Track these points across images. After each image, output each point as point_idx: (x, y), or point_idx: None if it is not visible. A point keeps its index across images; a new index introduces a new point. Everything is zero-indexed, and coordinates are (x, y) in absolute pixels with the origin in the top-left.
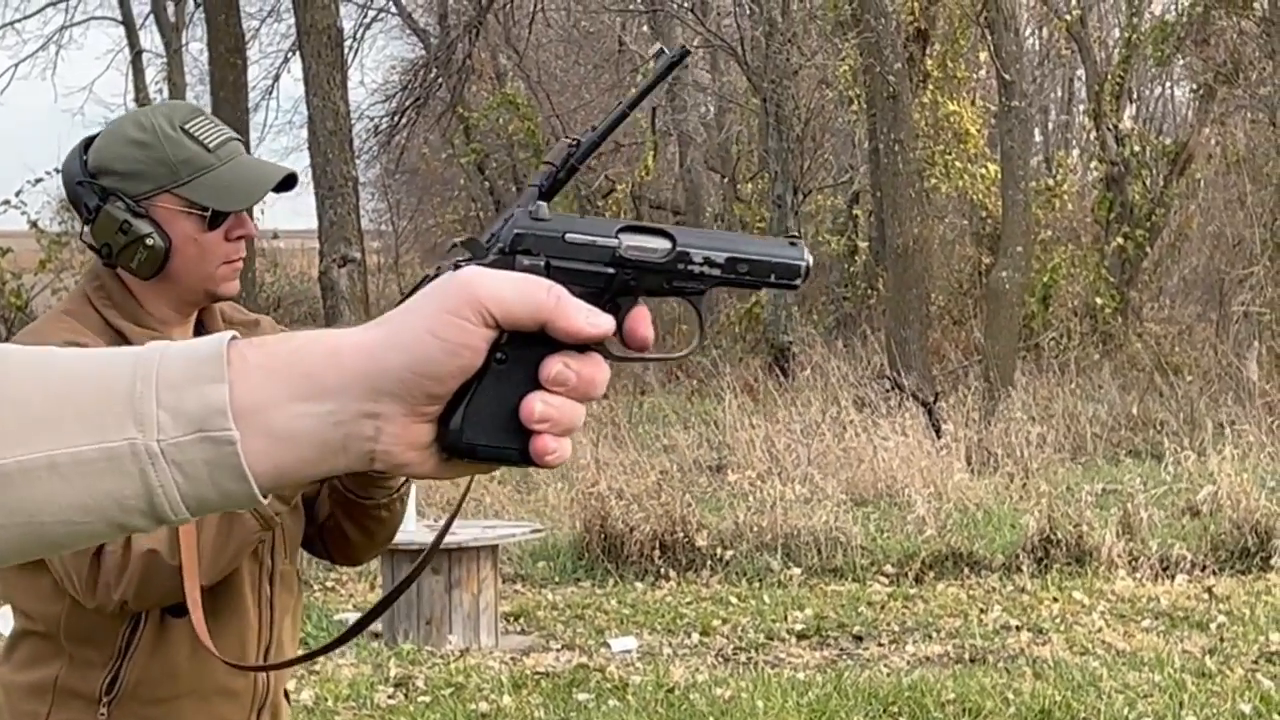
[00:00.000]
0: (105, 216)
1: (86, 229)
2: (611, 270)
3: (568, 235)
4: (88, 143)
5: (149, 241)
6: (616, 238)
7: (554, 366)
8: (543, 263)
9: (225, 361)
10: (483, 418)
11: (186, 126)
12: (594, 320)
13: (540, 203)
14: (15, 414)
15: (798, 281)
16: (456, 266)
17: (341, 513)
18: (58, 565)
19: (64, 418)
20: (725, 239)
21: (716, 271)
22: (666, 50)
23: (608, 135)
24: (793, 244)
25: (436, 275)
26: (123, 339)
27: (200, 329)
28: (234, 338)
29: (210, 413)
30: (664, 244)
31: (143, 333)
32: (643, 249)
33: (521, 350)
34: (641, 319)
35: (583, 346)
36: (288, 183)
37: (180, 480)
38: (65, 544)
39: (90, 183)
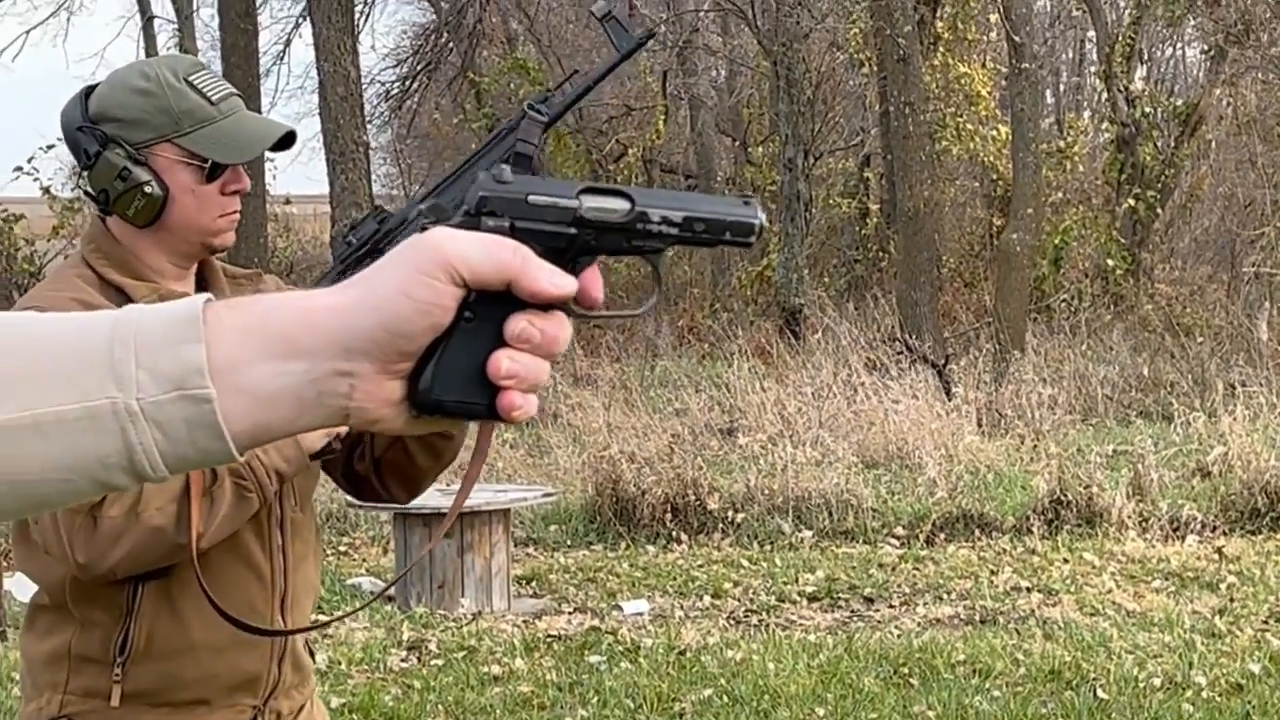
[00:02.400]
0: (104, 163)
1: (84, 175)
2: (573, 230)
3: (530, 197)
4: (88, 91)
5: (147, 189)
6: (578, 199)
7: (519, 324)
8: (507, 224)
9: (201, 322)
10: (451, 374)
11: (190, 78)
12: (557, 281)
13: (503, 166)
14: None
15: (751, 239)
16: (424, 229)
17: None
18: (46, 523)
19: (46, 378)
20: (682, 199)
21: (674, 230)
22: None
23: (564, 113)
24: (746, 203)
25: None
26: (123, 295)
27: (201, 283)
28: (209, 299)
29: (188, 372)
30: (623, 204)
31: (142, 285)
32: (603, 210)
33: (488, 308)
34: (594, 280)
35: (546, 305)
36: (286, 141)
37: (160, 438)
38: (50, 502)
39: (91, 128)
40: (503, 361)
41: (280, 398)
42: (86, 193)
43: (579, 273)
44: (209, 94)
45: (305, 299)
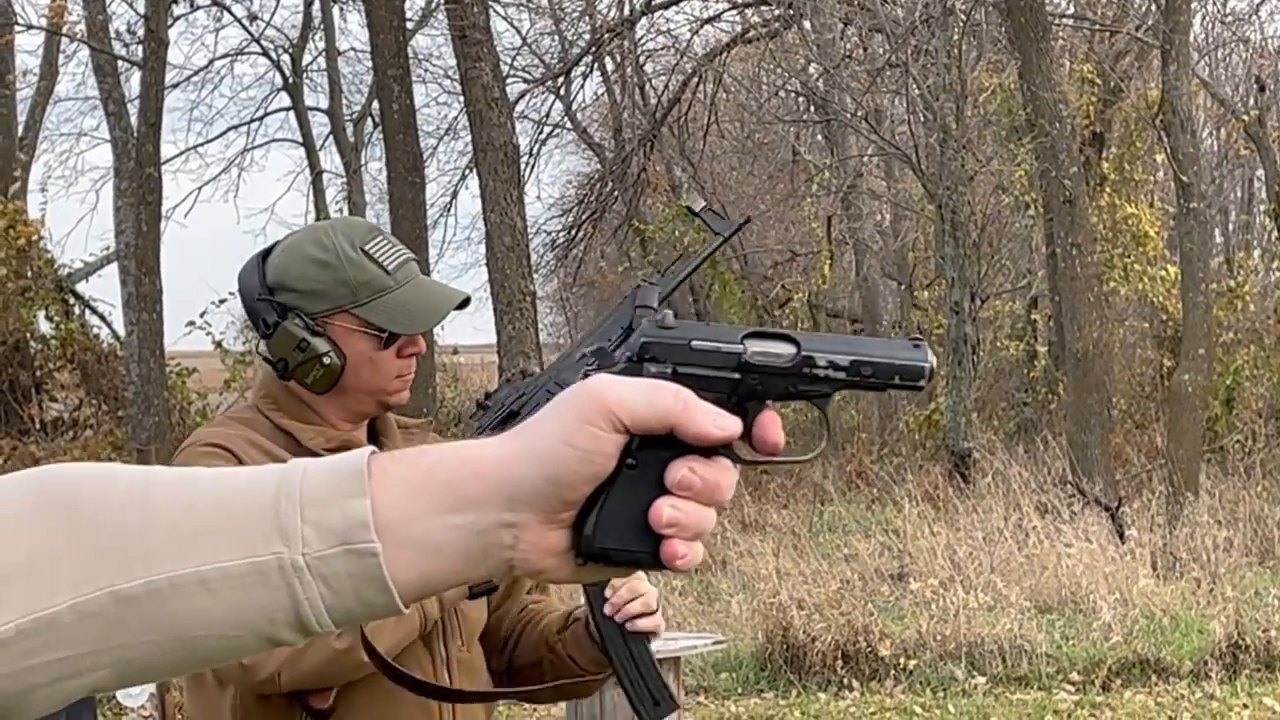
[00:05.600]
0: (283, 333)
1: (263, 343)
2: (737, 375)
3: (693, 342)
4: (265, 255)
5: (326, 360)
6: (742, 343)
7: (680, 471)
8: (669, 369)
9: (367, 476)
10: (615, 523)
11: (366, 248)
12: (721, 423)
13: (666, 311)
14: (166, 534)
15: (921, 383)
16: (586, 375)
17: (550, 665)
18: None
19: (212, 535)
20: (850, 343)
21: (841, 375)
22: (710, 208)
23: (676, 288)
24: (916, 346)
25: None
26: (292, 438)
27: (372, 429)
28: (374, 452)
29: (353, 526)
30: (789, 349)
31: (309, 429)
32: (768, 354)
33: (651, 454)
34: (771, 423)
35: (710, 451)
36: (461, 304)
37: (325, 592)
38: (216, 658)
39: (269, 300)
40: (664, 510)
41: (445, 550)
42: (265, 358)
43: (751, 417)
44: (385, 263)
45: (469, 450)
